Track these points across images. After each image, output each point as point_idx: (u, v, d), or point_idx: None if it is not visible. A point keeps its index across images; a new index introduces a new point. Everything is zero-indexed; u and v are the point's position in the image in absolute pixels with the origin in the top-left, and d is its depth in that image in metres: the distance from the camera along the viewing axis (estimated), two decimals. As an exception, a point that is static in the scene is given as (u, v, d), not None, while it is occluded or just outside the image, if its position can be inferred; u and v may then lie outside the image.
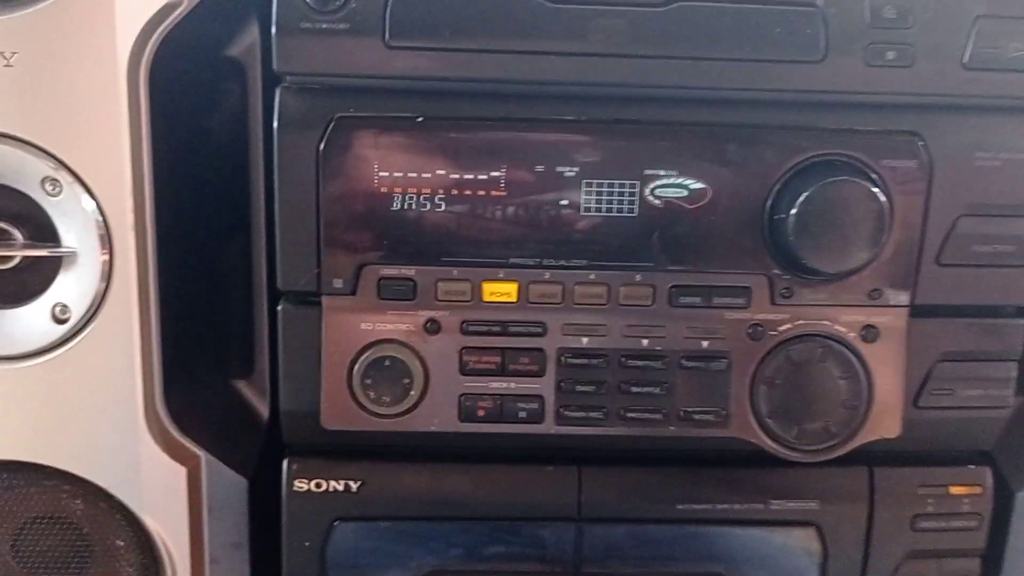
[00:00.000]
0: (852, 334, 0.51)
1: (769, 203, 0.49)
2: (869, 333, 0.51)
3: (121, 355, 0.49)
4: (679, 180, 0.49)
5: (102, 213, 0.47)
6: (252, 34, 0.52)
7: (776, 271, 0.50)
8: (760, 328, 0.50)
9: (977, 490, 0.55)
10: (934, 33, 0.48)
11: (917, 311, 0.51)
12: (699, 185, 0.49)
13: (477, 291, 0.49)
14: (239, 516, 0.55)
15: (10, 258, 0.48)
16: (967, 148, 0.50)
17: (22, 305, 0.49)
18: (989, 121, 0.50)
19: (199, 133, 0.54)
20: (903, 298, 0.51)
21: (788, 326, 0.51)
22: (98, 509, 0.51)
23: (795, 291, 0.50)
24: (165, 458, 0.51)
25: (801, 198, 0.47)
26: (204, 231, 0.55)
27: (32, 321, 0.48)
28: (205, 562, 0.54)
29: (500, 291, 0.49)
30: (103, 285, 0.48)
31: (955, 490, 0.55)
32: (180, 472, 0.51)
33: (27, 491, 0.51)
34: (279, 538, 0.54)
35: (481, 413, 0.50)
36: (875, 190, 0.48)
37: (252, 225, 0.55)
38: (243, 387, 0.58)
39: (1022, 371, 0.54)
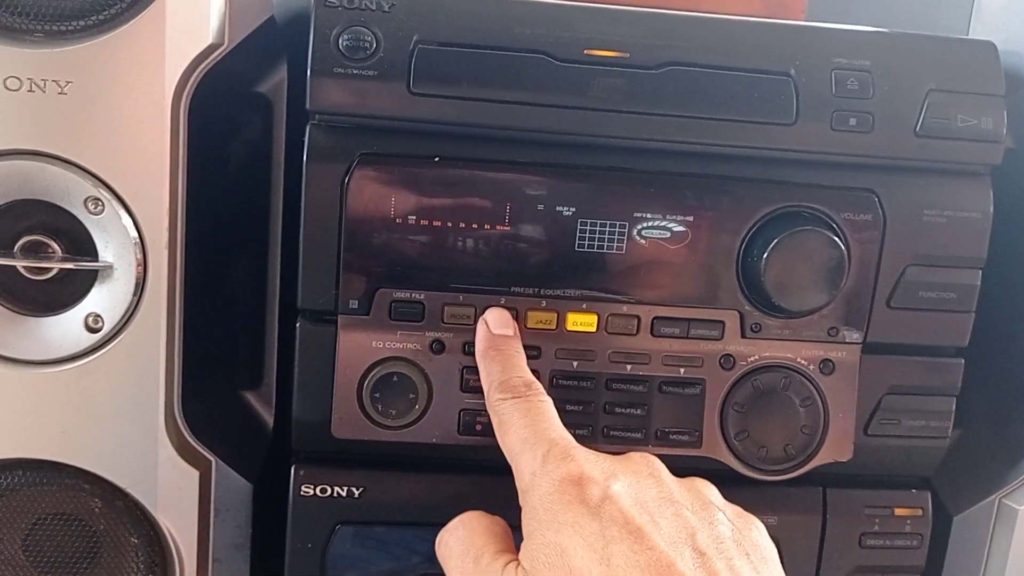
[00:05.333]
0: (812, 367, 0.55)
1: (742, 247, 0.53)
2: (826, 366, 0.55)
3: (147, 363, 0.51)
4: (664, 223, 0.52)
5: (139, 231, 0.50)
6: (281, 73, 0.56)
7: (747, 308, 0.54)
8: (731, 358, 0.55)
9: (918, 512, 0.59)
10: (891, 103, 0.52)
11: (869, 348, 0.55)
12: (681, 228, 0.53)
13: (480, 315, 0.52)
14: (243, 519, 0.57)
15: (48, 269, 0.50)
16: (916, 206, 0.54)
17: (57, 313, 0.51)
18: (936, 182, 0.54)
19: (223, 160, 0.58)
20: (857, 336, 0.55)
21: (756, 357, 0.55)
22: (114, 508, 0.53)
23: (763, 326, 0.54)
24: (180, 461, 0.53)
25: (771, 244, 0.51)
26: (222, 251, 0.58)
27: (66, 329, 0.51)
28: (209, 561, 0.56)
29: (501, 316, 0.52)
30: (135, 298, 0.50)
31: (899, 512, 0.58)
32: (193, 475, 0.54)
33: (47, 489, 0.53)
34: (277, 541, 0.56)
35: (479, 428, 0.53)
36: (836, 239, 0.52)
37: (268, 247, 0.58)
38: (251, 397, 0.61)
39: (960, 406, 0.57)
